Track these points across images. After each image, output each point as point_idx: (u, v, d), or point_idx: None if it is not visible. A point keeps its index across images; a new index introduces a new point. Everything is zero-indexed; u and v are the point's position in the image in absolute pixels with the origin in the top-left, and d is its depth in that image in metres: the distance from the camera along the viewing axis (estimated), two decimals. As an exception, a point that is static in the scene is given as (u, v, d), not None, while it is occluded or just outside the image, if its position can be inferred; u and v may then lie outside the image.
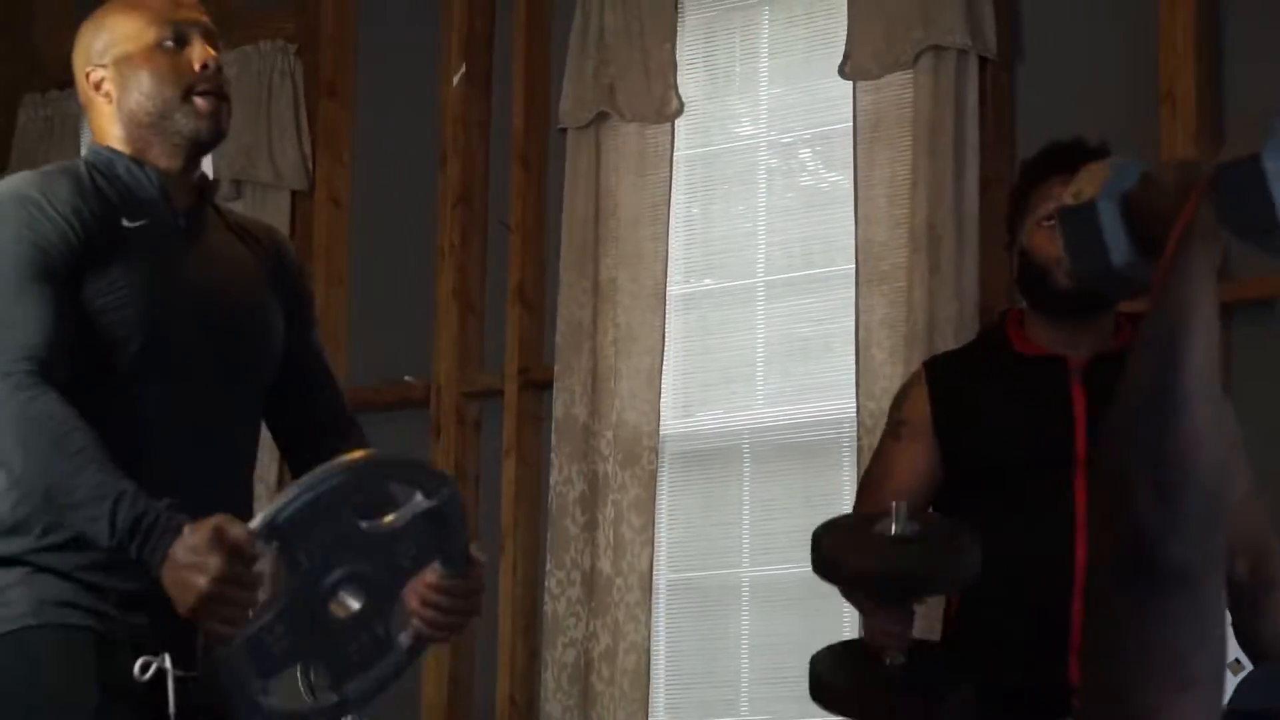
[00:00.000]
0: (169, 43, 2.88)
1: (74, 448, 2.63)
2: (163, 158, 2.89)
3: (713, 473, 5.21)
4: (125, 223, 2.83)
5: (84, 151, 2.96)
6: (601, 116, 5.30)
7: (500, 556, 5.37)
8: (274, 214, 5.65)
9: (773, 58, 5.27)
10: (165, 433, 2.79)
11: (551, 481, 5.25)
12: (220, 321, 2.87)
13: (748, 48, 5.31)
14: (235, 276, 2.93)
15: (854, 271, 4.91)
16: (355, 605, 2.68)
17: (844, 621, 4.90)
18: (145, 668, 2.73)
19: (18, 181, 2.85)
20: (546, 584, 5.22)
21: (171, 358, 2.80)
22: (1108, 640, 1.99)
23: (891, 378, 4.75)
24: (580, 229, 5.29)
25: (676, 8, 5.28)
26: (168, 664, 2.71)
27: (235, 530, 2.57)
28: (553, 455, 5.26)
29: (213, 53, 2.90)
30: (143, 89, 2.87)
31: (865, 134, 4.93)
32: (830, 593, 4.93)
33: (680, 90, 5.24)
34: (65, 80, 6.30)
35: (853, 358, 4.87)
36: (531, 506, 5.38)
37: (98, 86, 2.91)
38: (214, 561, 2.55)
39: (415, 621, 2.78)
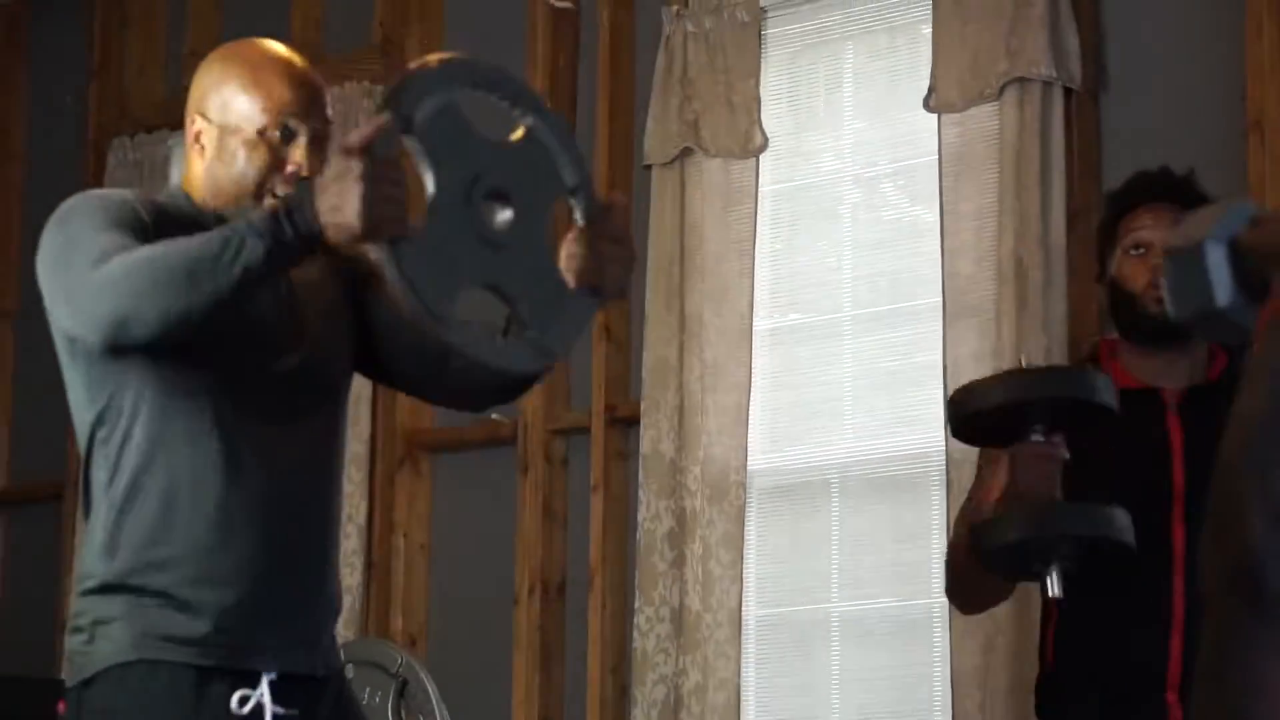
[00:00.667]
0: (275, 133, 2.87)
1: (182, 241, 2.66)
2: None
3: (801, 507, 5.20)
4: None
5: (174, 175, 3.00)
6: (686, 152, 5.31)
7: (589, 593, 5.37)
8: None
9: (857, 91, 5.27)
10: (248, 452, 2.80)
11: (639, 518, 5.25)
12: (297, 338, 2.88)
13: (831, 82, 5.31)
14: (308, 290, 2.93)
15: (941, 305, 4.89)
16: (508, 214, 2.66)
17: (934, 656, 4.88)
18: (244, 700, 2.75)
19: (83, 193, 2.89)
20: (635, 621, 5.21)
21: (249, 377, 2.82)
22: (1215, 670, 1.97)
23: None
24: (666, 265, 5.29)
25: (760, 43, 5.28)
26: (266, 698, 2.72)
27: (353, 135, 2.58)
28: (640, 491, 5.26)
29: (305, 161, 2.86)
30: (230, 166, 2.88)
31: (950, 167, 4.92)
32: (921, 626, 4.93)
33: (764, 125, 5.24)
34: (153, 124, 6.41)
35: (940, 391, 4.84)
36: (619, 543, 5.37)
37: (197, 136, 2.93)
38: (354, 165, 2.57)
39: (571, 276, 2.75)
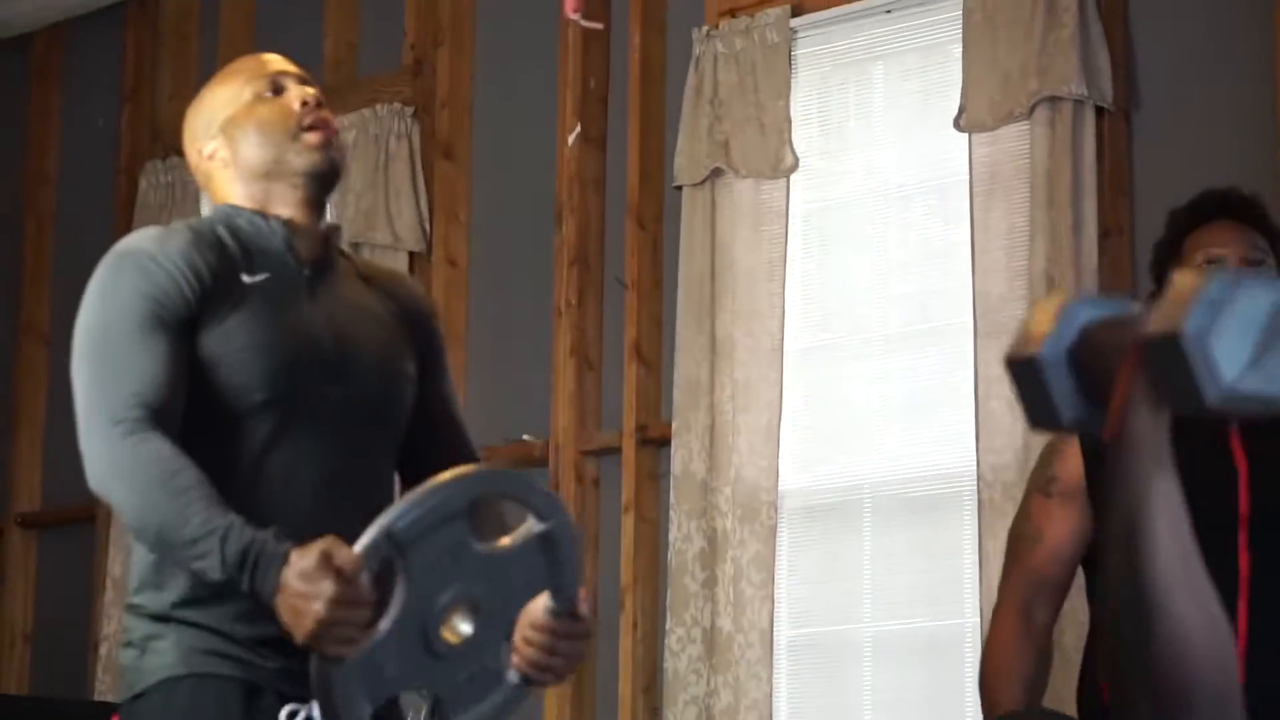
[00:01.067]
0: (267, 94, 2.93)
1: (180, 486, 2.66)
2: (285, 206, 2.92)
3: (833, 527, 5.19)
4: (245, 278, 2.85)
5: (205, 212, 3.01)
6: (716, 173, 5.31)
7: (620, 614, 5.37)
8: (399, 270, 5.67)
9: (887, 111, 5.26)
10: (295, 483, 2.81)
11: (670, 538, 5.25)
12: (348, 369, 2.88)
13: (861, 102, 5.31)
14: (364, 324, 2.94)
15: (972, 324, 4.88)
16: (467, 630, 2.70)
17: (967, 676, 4.86)
18: (293, 715, 2.76)
19: (134, 237, 2.89)
20: (666, 641, 5.20)
21: (298, 408, 2.82)
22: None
23: (1011, 431, 4.71)
24: (696, 285, 5.29)
25: (791, 63, 5.28)
26: (316, 713, 2.73)
27: (343, 554, 2.60)
28: (671, 512, 5.25)
29: (311, 90, 2.94)
30: (252, 140, 2.91)
31: (981, 186, 4.91)
32: (953, 646, 4.92)
33: (795, 145, 5.24)
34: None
35: (972, 410, 4.83)
36: (650, 564, 5.37)
37: (211, 157, 2.95)
38: (326, 587, 2.58)
39: (518, 660, 2.77)
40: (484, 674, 2.75)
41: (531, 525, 2.73)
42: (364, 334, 2.93)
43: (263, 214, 2.91)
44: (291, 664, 2.76)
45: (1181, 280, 2.01)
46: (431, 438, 3.01)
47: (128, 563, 6.27)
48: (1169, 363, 1.98)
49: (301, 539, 2.72)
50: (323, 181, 2.93)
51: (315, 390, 2.84)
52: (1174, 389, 2.00)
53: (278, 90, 2.94)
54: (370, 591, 2.61)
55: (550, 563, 2.75)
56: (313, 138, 2.92)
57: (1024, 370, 2.14)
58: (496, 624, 2.74)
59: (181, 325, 2.79)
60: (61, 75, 6.99)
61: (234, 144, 2.93)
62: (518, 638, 2.78)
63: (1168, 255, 3.54)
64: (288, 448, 2.82)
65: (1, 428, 6.89)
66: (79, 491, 6.76)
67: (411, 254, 5.90)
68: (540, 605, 2.78)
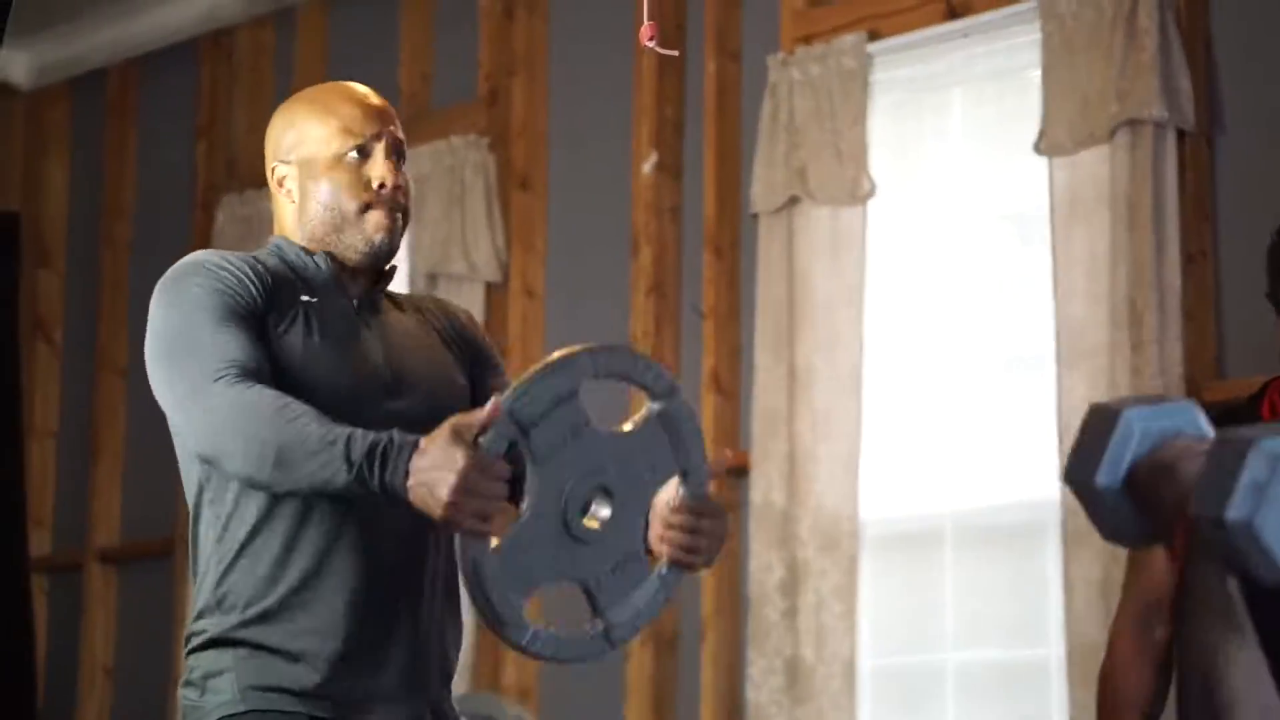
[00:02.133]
0: (352, 155, 2.90)
1: (294, 414, 2.65)
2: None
3: (914, 556, 5.14)
4: (304, 296, 2.87)
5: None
6: (793, 200, 5.28)
7: (700, 645, 5.34)
8: (469, 306, 5.68)
9: (965, 136, 5.23)
10: (359, 507, 2.79)
11: (751, 568, 5.21)
12: (403, 385, 2.88)
13: (939, 127, 5.27)
14: (412, 343, 2.95)
15: (1054, 350, 4.84)
16: (605, 513, 2.66)
17: (1051, 706, 4.82)
18: None
19: (194, 254, 2.89)
20: (748, 673, 5.17)
21: (357, 422, 2.81)
22: None
23: (1095, 457, 4.66)
24: (774, 313, 5.26)
25: (867, 89, 5.25)
26: None
27: (470, 421, 2.57)
28: (751, 542, 5.22)
29: (393, 170, 2.91)
30: (321, 199, 2.91)
31: (1062, 211, 4.87)
32: (1037, 676, 4.86)
33: (872, 172, 5.21)
34: (261, 181, 6.43)
35: (1055, 437, 4.78)
36: (731, 594, 5.34)
37: (280, 184, 2.95)
38: (459, 456, 2.55)
39: (664, 548, 2.73)
40: (631, 563, 2.70)
41: (650, 406, 2.70)
42: (416, 354, 2.94)
43: (310, 252, 2.92)
44: (361, 684, 2.75)
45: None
46: None
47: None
48: (1220, 542, 1.96)
49: (357, 550, 2.75)
50: (374, 261, 2.94)
51: (374, 406, 2.83)
52: (1231, 564, 1.97)
53: (364, 154, 2.90)
54: (503, 464, 2.58)
55: (674, 443, 2.71)
56: (377, 219, 2.90)
57: (1083, 492, 2.13)
58: (632, 511, 2.69)
59: (254, 318, 2.80)
60: (138, 110, 7.03)
61: (304, 189, 2.92)
62: (657, 527, 2.74)
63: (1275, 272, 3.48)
64: None
65: (80, 462, 6.92)
66: (158, 526, 6.84)
67: (488, 284, 5.90)
68: (671, 490, 2.74)
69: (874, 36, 5.27)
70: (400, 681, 2.82)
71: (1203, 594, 1.94)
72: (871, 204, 5.22)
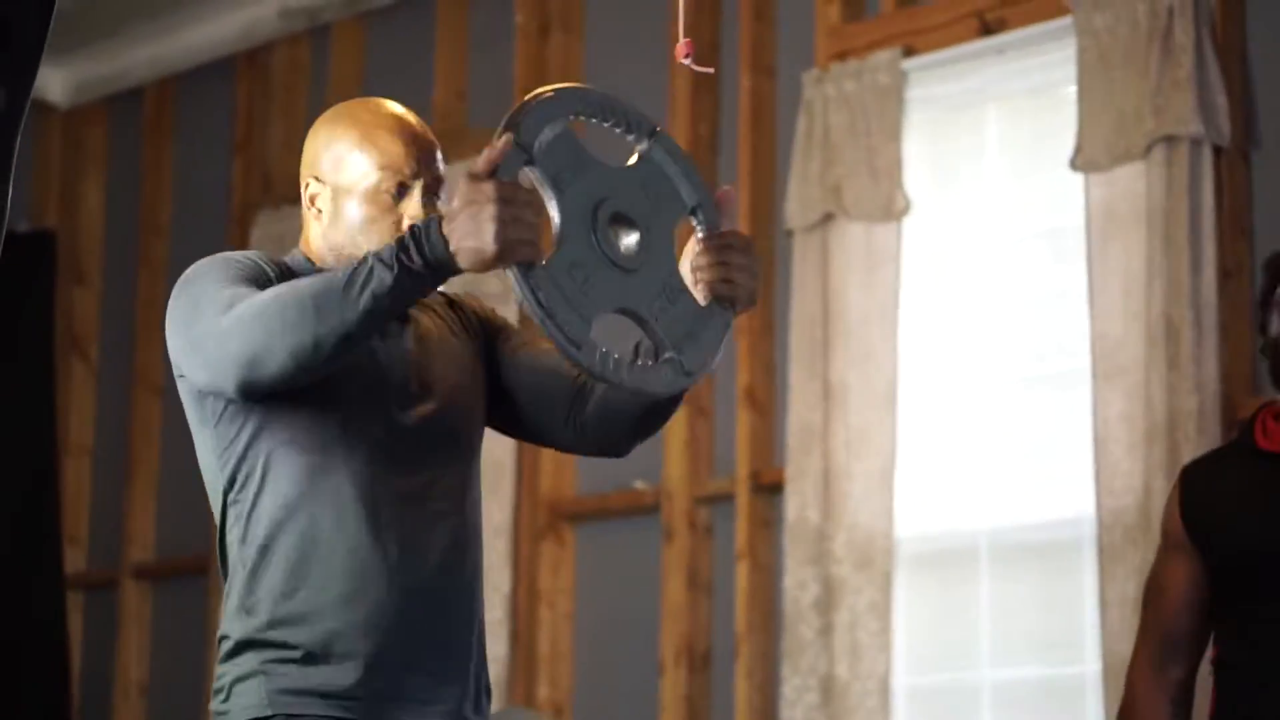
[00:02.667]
0: (390, 192, 2.87)
1: (310, 279, 2.65)
2: None
3: (949, 574, 5.13)
4: None
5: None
6: (828, 217, 5.28)
7: (735, 663, 5.33)
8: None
9: (1000, 153, 5.22)
10: (379, 509, 2.79)
11: (785, 586, 5.21)
12: (424, 386, 2.87)
13: (974, 144, 5.27)
14: (431, 343, 2.92)
15: (1090, 367, 4.82)
16: (632, 238, 2.64)
17: (1088, 725, 4.81)
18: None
19: (208, 257, 2.90)
20: (783, 690, 5.16)
21: (377, 427, 2.81)
22: None
23: (1131, 474, 4.65)
24: (809, 330, 5.26)
25: (901, 106, 5.24)
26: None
27: (480, 160, 2.55)
28: (786, 559, 5.22)
29: (420, 215, 2.86)
30: (350, 226, 2.88)
31: (1098, 227, 4.86)
32: (1073, 694, 4.85)
33: (907, 188, 5.20)
34: (296, 197, 6.46)
35: (1090, 454, 4.77)
36: (765, 612, 5.33)
37: (312, 200, 2.93)
38: (485, 189, 2.53)
39: (701, 289, 2.71)
40: (675, 293, 2.67)
41: (638, 147, 2.70)
42: (436, 355, 2.91)
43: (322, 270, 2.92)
44: (392, 685, 2.75)
45: None
46: (537, 381, 2.96)
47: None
48: None
49: (381, 549, 2.74)
50: None
51: (394, 408, 2.83)
52: None
53: (401, 193, 2.87)
54: (527, 187, 2.56)
55: (675, 177, 2.70)
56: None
57: None
58: (658, 237, 2.67)
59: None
60: (174, 128, 7.06)
61: (335, 211, 2.90)
62: (688, 271, 2.72)
63: (1264, 303, 3.52)
64: (366, 466, 2.80)
65: (116, 479, 6.94)
66: (192, 542, 6.86)
67: (520, 303, 5.89)
68: (691, 244, 2.72)
69: (909, 53, 5.27)
70: (432, 682, 2.81)
71: None
72: (906, 221, 5.22)
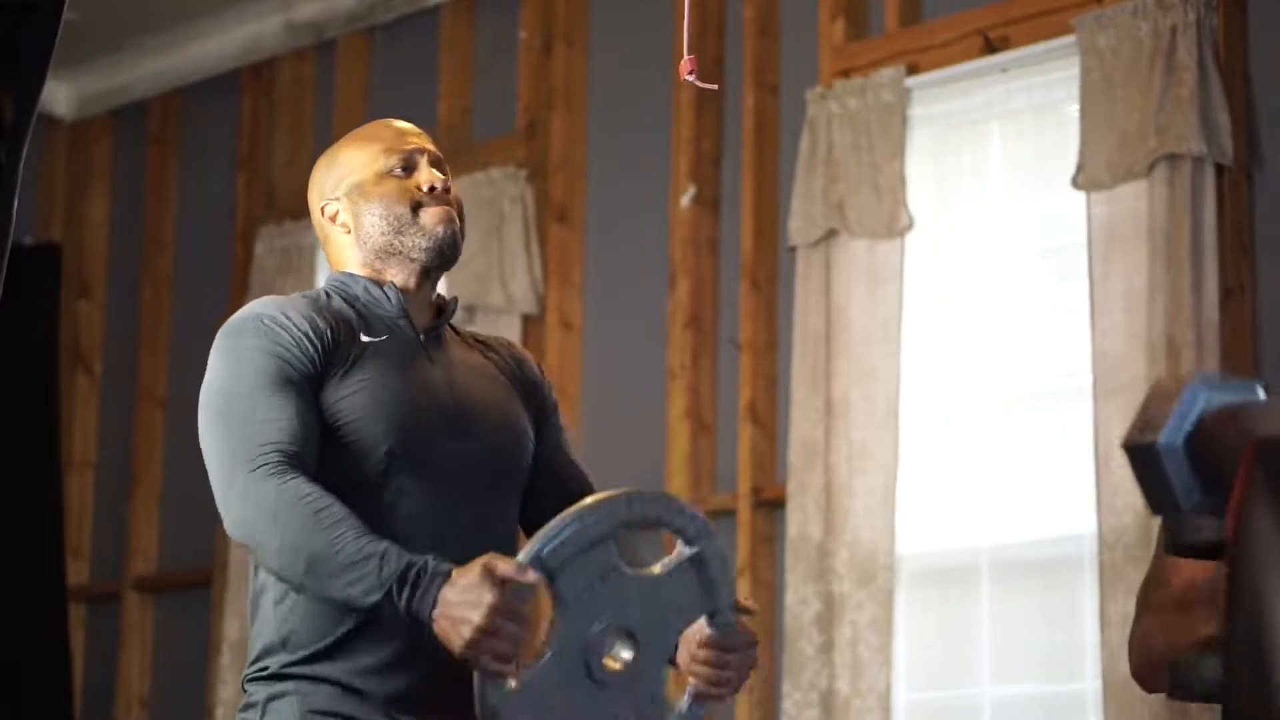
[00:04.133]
0: (398, 170, 2.96)
1: (332, 519, 2.67)
2: (400, 277, 2.97)
3: (950, 590, 5.13)
4: (364, 337, 2.89)
5: (322, 282, 3.03)
6: (831, 234, 5.29)
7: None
8: (506, 338, 5.68)
9: (1003, 171, 5.23)
10: (417, 537, 2.80)
11: (786, 602, 5.21)
12: (469, 425, 2.90)
13: (977, 161, 5.27)
14: (480, 383, 2.97)
15: (1091, 385, 4.83)
16: (627, 655, 2.66)
17: (1089, 742, 4.81)
18: None
19: (256, 303, 2.92)
20: (783, 706, 5.16)
21: (420, 460, 2.83)
22: None
23: (1132, 492, 4.65)
24: (811, 346, 5.26)
25: (905, 123, 5.25)
26: None
27: (504, 565, 2.58)
28: (787, 574, 5.22)
29: (439, 175, 2.97)
30: (375, 214, 2.95)
31: (1100, 245, 4.87)
32: (1074, 711, 4.85)
33: (910, 206, 5.21)
34: (300, 212, 6.48)
35: (1092, 472, 4.77)
36: (766, 627, 5.33)
37: (333, 219, 2.99)
38: (487, 596, 2.56)
39: (691, 681, 2.74)
40: (650, 706, 2.70)
41: (681, 549, 2.70)
42: (481, 392, 2.96)
43: (377, 282, 2.95)
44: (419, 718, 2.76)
45: None
46: (556, 490, 3.01)
47: (245, 626, 6.29)
48: None
49: None
50: (440, 258, 2.97)
51: (438, 445, 2.86)
52: None
53: (409, 168, 2.97)
54: (530, 603, 2.59)
55: (703, 585, 2.71)
56: (433, 215, 2.95)
57: (1142, 456, 2.13)
58: (656, 653, 2.70)
59: (308, 381, 2.81)
60: (179, 142, 7.07)
61: (357, 212, 2.97)
62: (684, 663, 2.75)
63: None
64: (410, 502, 2.82)
65: (118, 493, 6.94)
66: (195, 556, 6.85)
67: (525, 316, 5.91)
68: (699, 629, 2.74)
69: (912, 71, 5.28)
70: (468, 715, 2.81)
71: (1256, 538, 1.93)
72: (909, 238, 5.22)
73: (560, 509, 2.77)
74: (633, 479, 5.68)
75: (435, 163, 2.99)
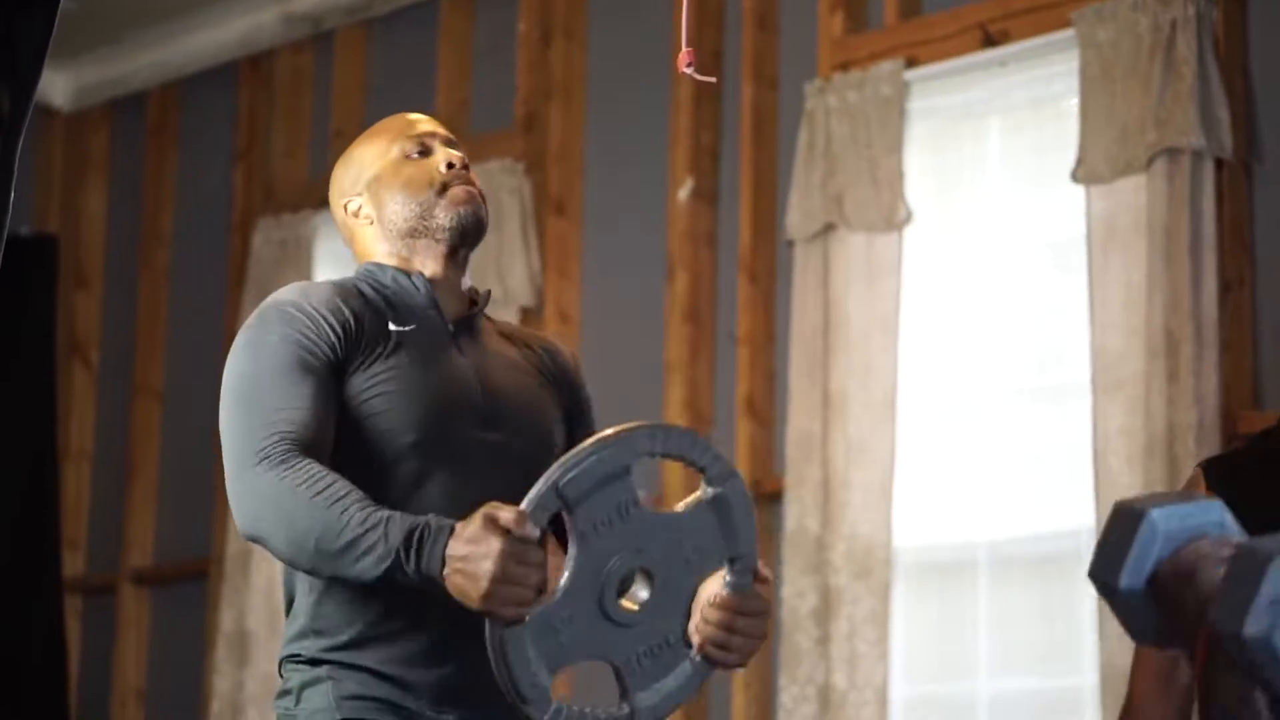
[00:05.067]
0: (414, 154, 2.97)
1: (334, 495, 2.65)
2: (429, 262, 2.96)
3: (948, 584, 5.13)
4: (393, 326, 2.89)
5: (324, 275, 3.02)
6: (829, 227, 5.28)
7: (732, 671, 5.32)
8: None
9: (1002, 165, 5.22)
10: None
11: (784, 595, 5.21)
12: (497, 416, 2.89)
13: (976, 155, 5.27)
14: (510, 375, 2.96)
15: (1089, 379, 4.83)
16: (643, 594, 2.62)
17: (1086, 737, 4.81)
18: None
19: (282, 291, 2.92)
20: (780, 699, 5.16)
21: (447, 451, 2.83)
22: None
23: (1130, 487, 4.65)
24: (809, 340, 5.26)
25: (903, 116, 5.25)
26: None
27: (505, 514, 2.55)
28: (784, 568, 5.22)
29: (457, 154, 2.99)
30: (397, 199, 2.96)
31: (1099, 239, 4.86)
32: (1070, 705, 4.85)
33: (908, 199, 5.20)
34: (298, 204, 6.48)
35: (1090, 466, 4.77)
36: (764, 621, 5.33)
37: (356, 214, 3.00)
38: (494, 544, 2.53)
39: (698, 640, 2.70)
40: (664, 650, 2.66)
41: (704, 489, 2.65)
42: (511, 384, 2.95)
43: (406, 271, 2.95)
44: (462, 709, 2.76)
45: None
46: None
47: (241, 619, 6.29)
48: (1241, 656, 1.97)
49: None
50: (466, 236, 2.97)
51: (465, 435, 2.85)
52: (1252, 677, 1.98)
53: (425, 152, 2.98)
54: (540, 548, 2.55)
55: (725, 530, 2.65)
56: (457, 193, 2.96)
57: (1106, 594, 2.18)
58: (674, 595, 2.65)
59: (328, 369, 2.81)
60: (177, 133, 7.06)
61: (379, 202, 2.97)
62: (696, 616, 2.70)
63: None
64: (435, 492, 2.81)
65: (115, 484, 6.94)
66: (192, 548, 6.85)
67: (523, 309, 5.90)
68: (718, 580, 2.69)
69: (911, 64, 5.27)
70: (500, 707, 2.80)
71: (1224, 700, 1.96)
72: (907, 231, 5.22)
73: None
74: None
75: (449, 144, 3.01)
